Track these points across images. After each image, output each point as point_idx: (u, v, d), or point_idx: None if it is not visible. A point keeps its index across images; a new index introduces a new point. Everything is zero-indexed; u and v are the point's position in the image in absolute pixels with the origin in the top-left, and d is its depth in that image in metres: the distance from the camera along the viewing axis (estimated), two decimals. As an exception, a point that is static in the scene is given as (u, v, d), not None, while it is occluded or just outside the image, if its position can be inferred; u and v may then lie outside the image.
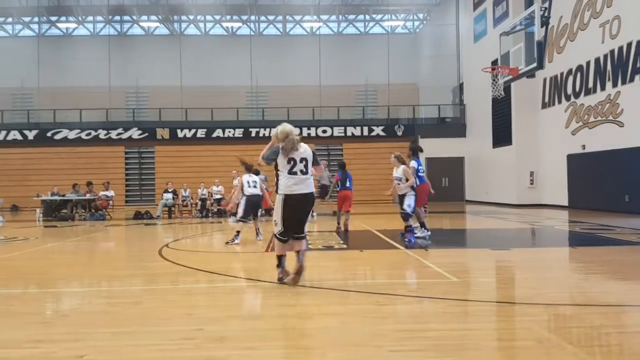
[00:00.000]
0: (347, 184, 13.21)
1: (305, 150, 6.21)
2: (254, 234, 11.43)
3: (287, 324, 4.66)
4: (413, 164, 10.89)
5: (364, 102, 34.83)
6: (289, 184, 6.10)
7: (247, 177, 10.91)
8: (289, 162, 6.11)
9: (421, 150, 11.64)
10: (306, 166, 6.17)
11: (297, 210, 6.17)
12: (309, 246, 10.09)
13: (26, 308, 5.46)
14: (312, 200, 6.33)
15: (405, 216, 10.27)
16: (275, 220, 6.25)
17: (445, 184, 28.06)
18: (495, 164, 24.78)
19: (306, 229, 6.39)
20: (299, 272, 6.23)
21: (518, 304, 5.38)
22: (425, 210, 11.76)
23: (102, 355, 3.89)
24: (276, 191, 6.22)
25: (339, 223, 13.29)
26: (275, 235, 6.31)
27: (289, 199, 6.11)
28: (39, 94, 31.69)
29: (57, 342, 4.19)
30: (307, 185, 6.18)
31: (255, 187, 10.98)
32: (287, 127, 6.21)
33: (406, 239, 10.21)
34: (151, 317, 5.00)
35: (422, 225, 11.18)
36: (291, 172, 6.11)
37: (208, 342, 4.16)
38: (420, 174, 11.03)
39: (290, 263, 6.38)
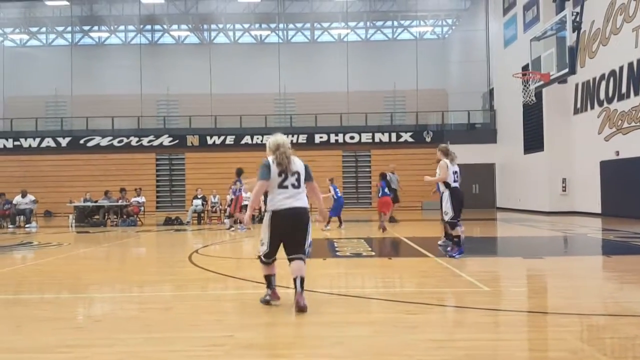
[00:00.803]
0: (387, 191, 15.09)
1: (297, 163, 5.69)
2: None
3: (316, 332, 4.65)
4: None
5: (392, 108, 34.72)
6: (279, 198, 5.57)
7: None
8: (279, 175, 5.56)
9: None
10: (298, 180, 5.65)
11: (288, 227, 5.57)
12: (337, 253, 10.11)
13: (59, 313, 5.55)
14: (306, 215, 5.69)
15: (450, 225, 9.16)
16: (262, 240, 5.67)
17: (476, 191, 27.78)
18: (526, 171, 24.45)
19: (307, 249, 5.70)
20: (300, 308, 5.32)
21: (551, 313, 5.29)
22: None
23: (134, 360, 3.94)
24: (265, 209, 5.78)
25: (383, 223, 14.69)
26: (259, 257, 5.75)
27: (277, 215, 5.55)
28: (72, 102, 32.35)
29: (90, 347, 4.25)
30: (299, 199, 5.64)
31: None
32: (279, 138, 5.71)
33: (449, 254, 9.10)
34: (182, 322, 5.04)
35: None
36: (282, 186, 5.57)
37: (238, 348, 4.18)
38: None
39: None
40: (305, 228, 5.68)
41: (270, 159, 5.61)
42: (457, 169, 9.25)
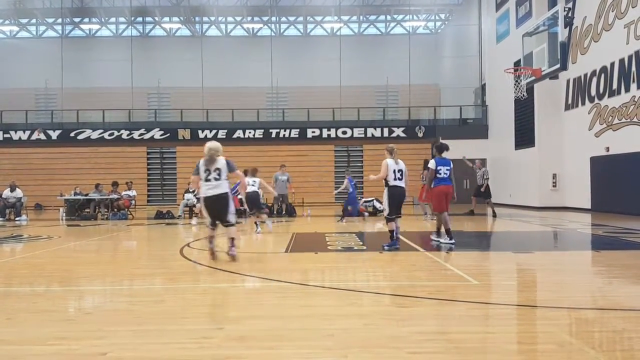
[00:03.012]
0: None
1: (219, 161, 8.12)
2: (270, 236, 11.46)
3: (307, 324, 4.67)
4: (432, 163, 10.19)
5: (384, 103, 34.74)
6: (204, 189, 8.14)
7: (248, 179, 12.66)
8: (205, 172, 8.11)
9: (446, 149, 10.43)
10: (219, 174, 8.07)
11: (213, 207, 8.17)
12: (329, 247, 10.14)
13: (50, 305, 5.54)
14: (223, 199, 8.13)
15: (386, 220, 9.80)
16: (205, 216, 8.53)
17: (467, 186, 27.85)
18: (517, 166, 24.56)
19: (232, 219, 8.29)
20: (232, 257, 8.16)
21: (540, 307, 5.34)
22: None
23: (124, 352, 3.94)
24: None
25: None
26: (208, 225, 8.45)
27: (205, 200, 8.20)
28: (62, 95, 32.14)
29: (80, 340, 4.25)
30: (219, 188, 8.11)
31: (253, 185, 13.58)
32: (210, 144, 8.22)
33: (383, 246, 9.62)
34: (172, 315, 5.05)
35: (443, 231, 10.26)
36: (206, 180, 8.09)
37: (228, 341, 4.19)
38: (439, 175, 10.08)
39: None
40: (226, 206, 8.18)
41: (201, 161, 8.16)
42: (401, 167, 9.66)
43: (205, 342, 4.15)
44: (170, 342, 4.17)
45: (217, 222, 8.29)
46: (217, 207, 8.14)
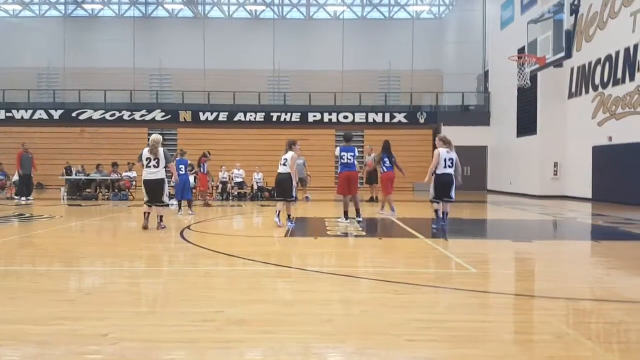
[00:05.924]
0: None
1: (159, 153, 10.18)
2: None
3: (306, 310, 4.70)
4: (337, 150, 11.76)
5: (386, 88, 34.60)
6: (145, 173, 10.22)
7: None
8: (147, 160, 10.16)
9: (350, 138, 11.89)
10: (157, 163, 10.14)
11: (149, 189, 10.24)
12: (328, 233, 10.17)
13: (51, 285, 5.58)
14: (160, 183, 10.22)
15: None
16: (144, 194, 10.47)
17: (467, 173, 27.84)
18: (518, 154, 24.53)
19: (165, 200, 10.44)
20: (158, 227, 10.19)
21: (537, 297, 5.36)
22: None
23: (125, 333, 3.97)
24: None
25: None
26: (144, 202, 10.46)
27: (145, 182, 10.25)
28: (64, 74, 32.06)
29: (82, 320, 4.28)
30: (155, 174, 10.18)
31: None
32: (154, 137, 10.38)
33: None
34: (172, 298, 5.09)
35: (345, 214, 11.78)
36: (147, 166, 10.15)
37: (228, 324, 4.22)
38: (342, 160, 11.57)
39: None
40: (160, 189, 10.26)
41: (145, 150, 10.25)
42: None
43: (205, 325, 4.18)
44: (170, 324, 4.20)
45: (153, 201, 10.28)
46: (154, 189, 10.19)
